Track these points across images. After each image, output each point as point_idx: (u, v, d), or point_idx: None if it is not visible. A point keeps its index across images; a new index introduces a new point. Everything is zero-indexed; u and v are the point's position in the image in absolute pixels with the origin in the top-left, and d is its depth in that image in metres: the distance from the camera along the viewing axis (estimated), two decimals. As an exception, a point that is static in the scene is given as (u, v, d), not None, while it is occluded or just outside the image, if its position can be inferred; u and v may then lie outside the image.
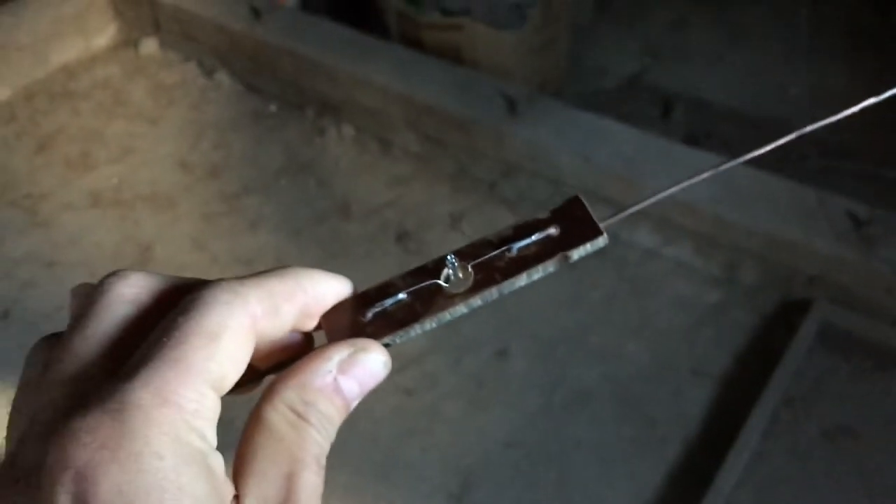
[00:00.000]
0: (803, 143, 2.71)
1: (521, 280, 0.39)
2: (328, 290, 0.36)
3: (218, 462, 0.29)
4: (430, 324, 0.38)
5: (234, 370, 0.31)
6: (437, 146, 2.62)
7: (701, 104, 2.90)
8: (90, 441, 0.26)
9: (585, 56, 3.11)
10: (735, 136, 2.77)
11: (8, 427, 0.32)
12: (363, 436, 2.02)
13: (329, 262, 2.41)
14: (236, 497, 0.29)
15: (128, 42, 3.15)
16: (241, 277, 0.33)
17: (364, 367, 0.34)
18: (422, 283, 0.38)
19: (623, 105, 2.91)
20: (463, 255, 0.38)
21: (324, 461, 0.32)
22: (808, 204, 2.17)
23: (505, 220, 2.49)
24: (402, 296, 0.38)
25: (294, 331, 0.34)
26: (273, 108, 2.90)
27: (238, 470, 0.30)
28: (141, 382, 0.28)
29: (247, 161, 2.73)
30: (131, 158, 2.75)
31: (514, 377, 2.12)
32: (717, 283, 2.28)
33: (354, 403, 0.34)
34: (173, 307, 0.31)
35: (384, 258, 2.42)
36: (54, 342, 0.32)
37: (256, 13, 2.83)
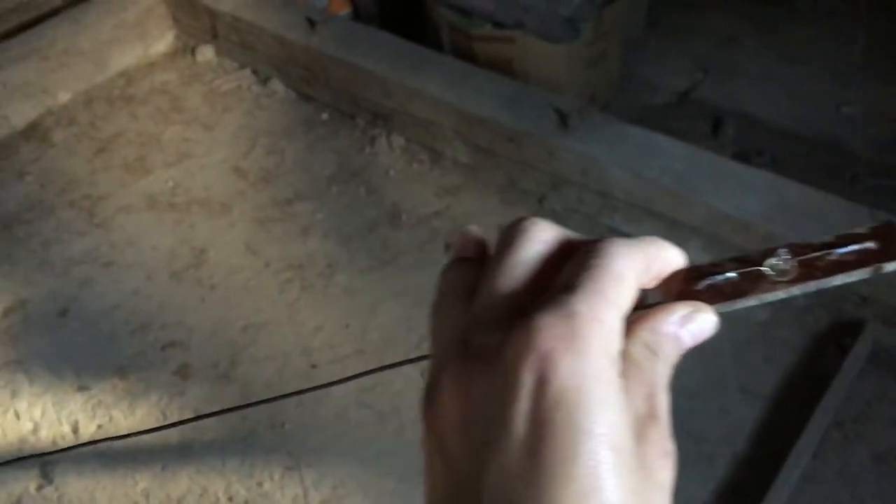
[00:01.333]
0: (854, 162, 2.69)
1: (838, 280, 0.43)
2: (673, 259, 0.42)
3: (619, 369, 0.37)
4: (752, 301, 0.43)
5: (627, 306, 0.38)
6: (488, 158, 2.65)
7: (751, 121, 2.89)
8: (550, 335, 0.34)
9: (635, 71, 3.11)
10: (786, 154, 2.76)
11: (438, 325, 0.40)
12: (410, 445, 2.05)
13: (379, 270, 2.45)
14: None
15: (185, 49, 3.22)
16: (627, 240, 0.40)
17: (699, 324, 0.41)
18: (749, 267, 0.43)
19: (672, 121, 2.90)
20: (792, 249, 0.44)
21: (667, 388, 0.39)
22: (859, 222, 2.15)
23: (553, 232, 2.50)
24: (731, 274, 0.43)
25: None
26: (325, 116, 2.95)
27: None
28: (580, 301, 0.36)
29: (299, 168, 2.78)
30: (187, 163, 2.81)
31: (561, 389, 2.13)
32: (767, 303, 2.26)
33: (685, 350, 0.41)
34: (572, 253, 0.39)
35: (433, 267, 2.44)
36: (469, 264, 0.41)
37: (312, 23, 2.88)
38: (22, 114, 2.92)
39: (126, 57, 3.15)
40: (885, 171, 2.63)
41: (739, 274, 0.43)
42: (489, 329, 0.37)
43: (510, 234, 0.40)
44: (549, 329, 0.34)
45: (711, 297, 0.43)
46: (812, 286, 0.43)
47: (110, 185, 2.74)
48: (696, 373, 2.13)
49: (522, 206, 2.58)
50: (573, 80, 2.79)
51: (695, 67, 3.12)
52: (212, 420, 2.11)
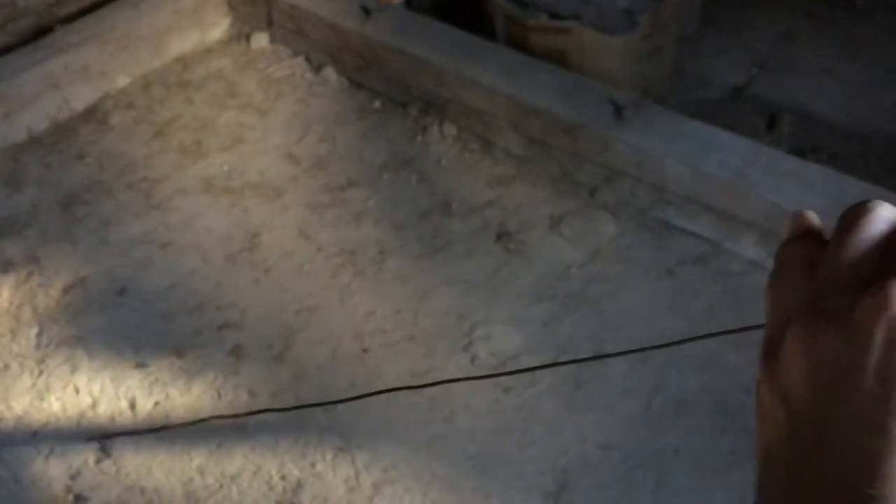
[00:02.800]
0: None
1: None
2: None
3: None
4: None
5: None
6: (541, 149, 2.65)
7: (808, 118, 2.86)
8: None
9: (690, 66, 3.09)
10: (843, 151, 2.73)
11: (777, 291, 0.44)
12: (461, 430, 2.06)
13: (430, 258, 2.46)
14: None
15: (240, 36, 3.26)
16: None
17: None
18: None
19: (727, 116, 2.88)
20: None
21: None
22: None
23: (606, 225, 2.50)
24: None
25: None
26: (377, 104, 2.97)
27: None
28: None
29: (351, 155, 2.80)
30: (241, 148, 2.85)
31: (612, 381, 2.13)
32: None
33: None
34: None
35: (484, 257, 2.46)
36: (810, 241, 0.44)
37: (367, 12, 2.90)
38: (82, 97, 2.98)
39: (183, 43, 3.19)
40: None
41: None
42: (839, 293, 0.40)
43: (854, 213, 0.43)
44: None
45: None
46: None
47: (167, 167, 2.79)
48: (748, 368, 2.11)
49: (574, 199, 2.58)
50: (628, 73, 2.78)
51: (750, 63, 3.09)
52: (267, 399, 2.14)
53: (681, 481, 1.93)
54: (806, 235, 0.46)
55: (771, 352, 0.42)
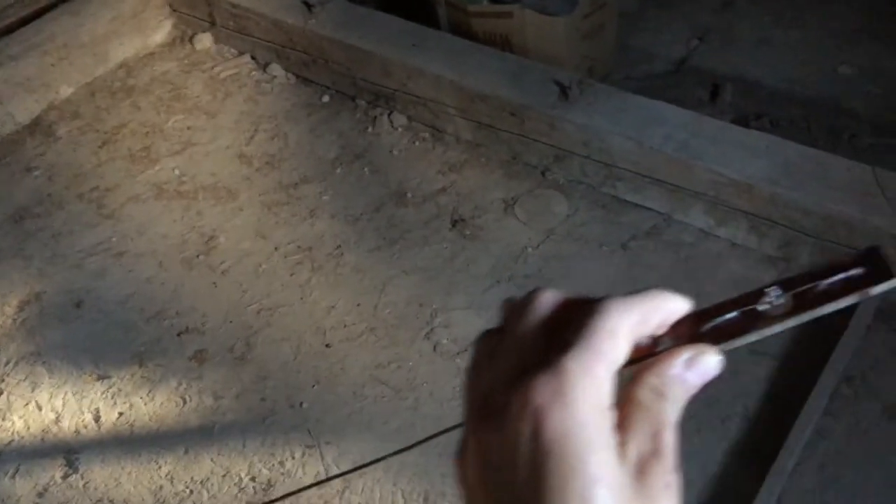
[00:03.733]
0: (853, 121, 2.70)
1: (828, 308, 0.46)
2: (678, 307, 0.47)
3: (612, 416, 0.42)
4: (753, 337, 0.47)
5: (622, 358, 0.43)
6: (490, 133, 2.66)
7: (749, 86, 2.90)
8: (542, 391, 0.40)
9: (633, 41, 3.12)
10: (785, 116, 2.78)
11: (468, 388, 0.46)
12: (427, 418, 2.08)
13: (387, 248, 2.47)
14: (620, 443, 0.42)
15: (184, 38, 3.23)
16: (624, 296, 0.45)
17: (704, 365, 0.45)
18: (747, 306, 0.47)
19: (671, 88, 2.92)
20: (783, 285, 0.47)
21: (675, 427, 0.44)
22: (863, 181, 2.17)
23: (558, 204, 2.52)
24: (731, 315, 0.47)
25: (649, 335, 0.47)
26: (326, 98, 2.97)
27: (620, 426, 0.43)
28: (571, 358, 0.41)
29: (303, 151, 2.80)
30: (191, 151, 2.83)
31: (573, 358, 2.16)
32: (772, 263, 2.29)
33: (695, 390, 0.45)
34: (573, 313, 0.44)
35: (441, 244, 2.47)
36: (494, 333, 0.47)
37: (308, 7, 2.89)
38: (26, 109, 2.94)
39: (125, 48, 3.16)
40: (884, 128, 2.65)
41: (740, 313, 0.47)
42: (502, 389, 0.43)
43: (518, 305, 0.46)
44: (542, 386, 0.40)
45: (716, 337, 0.47)
46: (806, 317, 0.47)
47: (117, 176, 2.76)
48: (705, 336, 2.16)
49: (526, 180, 2.60)
50: (572, 52, 2.80)
51: (691, 35, 3.13)
52: (231, 401, 2.15)
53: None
54: (493, 328, 0.48)
55: (460, 451, 0.44)
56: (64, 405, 2.18)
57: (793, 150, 2.28)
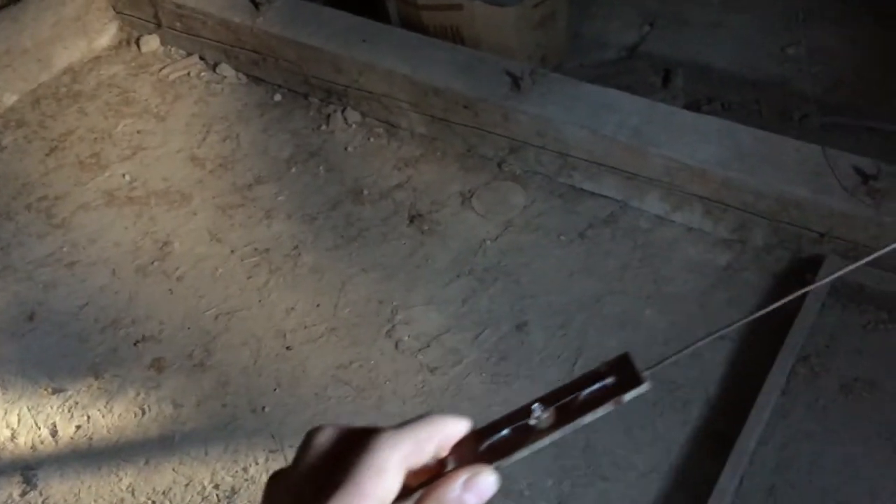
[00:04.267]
0: (802, 102, 2.73)
1: (588, 418, 0.51)
2: (455, 430, 0.49)
3: None
4: (525, 451, 0.50)
5: (393, 492, 0.46)
6: (444, 126, 2.65)
7: (700, 70, 2.92)
8: None
9: (585, 28, 3.12)
10: (736, 99, 2.80)
11: None
12: (391, 416, 2.07)
13: (345, 247, 2.45)
14: None
15: (129, 40, 3.17)
16: (398, 427, 0.47)
17: (480, 484, 0.48)
18: (518, 422, 0.51)
19: (624, 75, 2.93)
20: (546, 400, 0.51)
21: None
22: (814, 162, 2.20)
23: (515, 195, 2.52)
24: (505, 432, 0.51)
25: (433, 458, 0.49)
26: (278, 97, 2.93)
27: None
28: (337, 499, 0.44)
29: (256, 152, 2.76)
30: (142, 155, 2.78)
31: (535, 349, 2.17)
32: (727, 246, 2.31)
33: None
34: (347, 450, 0.46)
35: (399, 240, 2.46)
36: (280, 473, 0.50)
37: (256, 5, 2.85)
38: (-33, 119, 2.87)
39: (70, 53, 3.09)
40: (833, 108, 2.68)
41: (512, 430, 0.51)
42: None
43: (301, 444, 0.49)
44: None
45: (493, 455, 0.50)
46: (569, 428, 0.51)
47: (66, 184, 2.70)
48: (663, 321, 2.18)
49: (482, 172, 2.59)
50: (523, 42, 2.80)
51: (642, 21, 3.14)
52: (192, 409, 2.12)
53: (609, 439, 1.98)
54: (280, 470, 0.50)
55: None
56: (19, 421, 2.14)
57: (744, 133, 2.30)
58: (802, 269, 2.19)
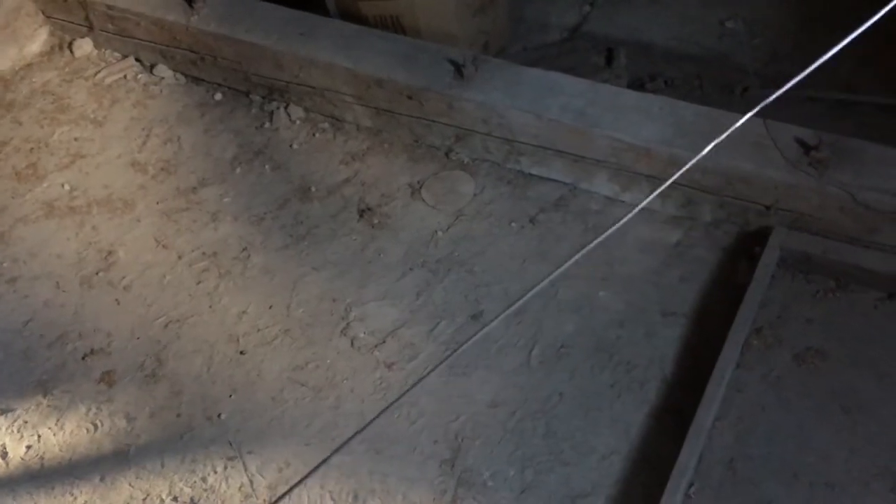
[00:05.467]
0: (743, 75, 2.75)
1: None
2: None
3: None
4: None
5: None
6: (390, 118, 2.62)
7: (642, 47, 2.92)
8: None
9: (526, 12, 3.11)
10: (678, 75, 2.81)
11: None
12: (349, 415, 2.05)
13: (295, 246, 2.41)
14: None
15: (62, 45, 3.08)
16: None
17: None
18: None
19: (567, 56, 2.92)
20: None
21: None
22: (756, 135, 2.21)
23: (465, 184, 2.50)
24: None
25: None
26: (218, 96, 2.87)
27: None
28: None
29: (199, 153, 2.70)
30: (81, 163, 2.71)
31: (491, 338, 2.16)
32: (677, 223, 2.32)
33: None
34: None
35: (349, 236, 2.43)
36: None
37: (190, 2, 2.78)
38: None
39: (0, 61, 2.99)
40: (773, 80, 2.70)
41: None
42: None
43: None
44: None
45: None
46: None
47: (3, 197, 2.62)
48: (617, 303, 2.18)
49: (430, 163, 2.57)
50: (464, 29, 2.77)
51: (582, 1, 3.13)
52: (146, 421, 2.07)
53: (569, 424, 1.98)
54: None
55: None
56: (-33, 445, 2.08)
57: (685, 109, 2.30)
58: (751, 242, 2.20)
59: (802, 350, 2.02)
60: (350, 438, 1.35)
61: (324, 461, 1.37)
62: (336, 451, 1.29)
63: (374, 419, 1.46)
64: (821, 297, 2.11)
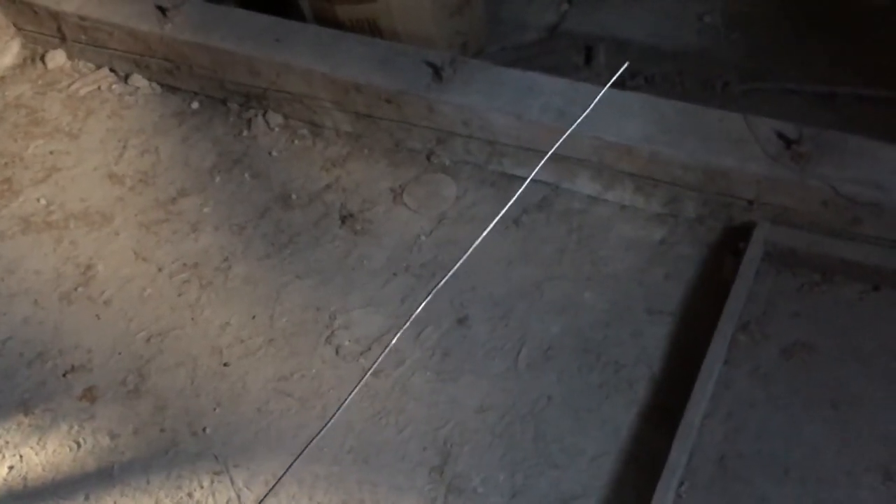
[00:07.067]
0: (723, 70, 2.75)
1: None
2: None
3: None
4: None
5: None
6: (369, 123, 2.60)
7: (621, 45, 2.91)
8: None
9: (504, 12, 3.09)
10: (658, 71, 2.80)
11: None
12: (336, 425, 2.02)
13: (277, 255, 2.39)
14: None
15: (34, 57, 3.03)
16: None
17: None
18: None
19: (547, 56, 2.91)
20: None
21: None
22: (737, 130, 2.20)
23: (447, 187, 2.48)
24: None
25: None
26: (195, 105, 2.84)
27: None
28: None
29: (177, 163, 2.67)
30: (57, 177, 2.67)
31: (478, 342, 2.14)
32: (660, 221, 2.31)
33: None
34: None
35: (332, 243, 2.40)
36: None
37: (163, 11, 2.75)
38: None
39: (-30, 75, 2.95)
40: (752, 74, 2.70)
41: None
42: None
43: None
44: None
45: None
46: None
47: (-22, 213, 2.59)
48: (603, 302, 2.17)
49: (411, 167, 2.55)
50: (442, 31, 2.75)
51: (560, -1, 3.12)
52: (129, 438, 2.04)
53: (558, 426, 1.97)
54: None
55: None
56: (-53, 468, 2.04)
57: (666, 106, 2.29)
58: (735, 238, 2.20)
59: (790, 344, 2.02)
60: (318, 434, 1.33)
61: (296, 458, 1.36)
62: (307, 446, 1.27)
63: (336, 411, 1.44)
64: (806, 290, 2.11)
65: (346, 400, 1.95)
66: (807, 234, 2.14)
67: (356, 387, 2.00)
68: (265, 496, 1.72)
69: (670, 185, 2.26)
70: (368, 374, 2.05)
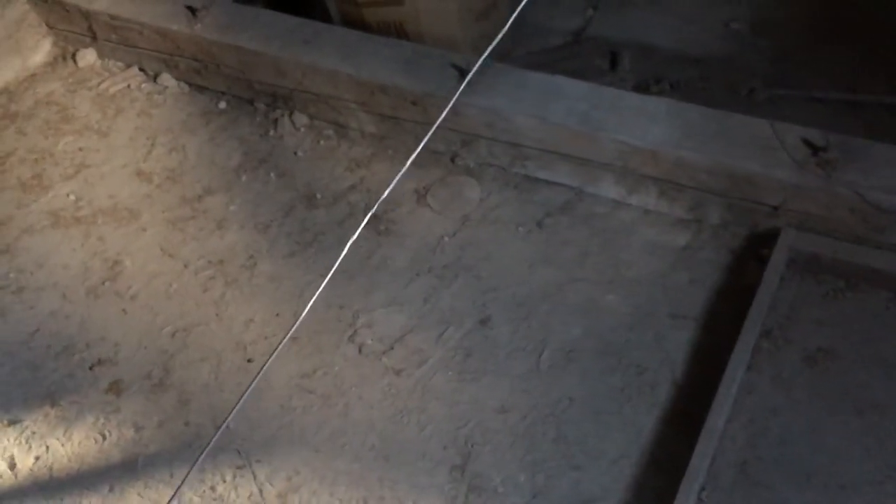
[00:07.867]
0: (748, 76, 2.74)
1: None
2: None
3: None
4: None
5: None
6: (393, 124, 2.61)
7: (646, 50, 2.92)
8: None
9: (529, 16, 3.09)
10: (683, 77, 2.80)
11: None
12: (358, 423, 2.04)
13: (302, 253, 2.41)
14: None
15: (65, 56, 3.08)
16: None
17: None
18: None
19: (571, 61, 2.92)
20: None
21: None
22: (763, 136, 2.20)
23: (470, 189, 2.50)
24: None
25: None
26: (223, 105, 2.87)
27: None
28: None
29: (204, 162, 2.70)
30: (86, 173, 2.70)
31: (500, 343, 2.15)
32: (684, 226, 2.31)
33: None
34: None
35: (356, 242, 2.41)
36: None
37: (193, 11, 2.78)
38: None
39: (4, 72, 2.99)
40: (778, 81, 2.69)
41: None
42: None
43: None
44: None
45: None
46: None
47: (8, 207, 2.62)
48: (626, 306, 2.17)
49: (436, 168, 2.56)
50: (467, 34, 2.77)
51: (585, 4, 3.13)
52: (153, 431, 2.07)
53: (579, 428, 1.97)
54: None
55: None
56: (-25, 457, 2.07)
57: (691, 111, 2.29)
58: (759, 244, 2.19)
59: (813, 351, 2.01)
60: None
61: (208, 444, 1.36)
62: (221, 425, 1.27)
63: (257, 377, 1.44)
64: (830, 297, 2.10)
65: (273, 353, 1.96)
66: (832, 241, 2.13)
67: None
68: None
69: (695, 191, 2.26)
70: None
